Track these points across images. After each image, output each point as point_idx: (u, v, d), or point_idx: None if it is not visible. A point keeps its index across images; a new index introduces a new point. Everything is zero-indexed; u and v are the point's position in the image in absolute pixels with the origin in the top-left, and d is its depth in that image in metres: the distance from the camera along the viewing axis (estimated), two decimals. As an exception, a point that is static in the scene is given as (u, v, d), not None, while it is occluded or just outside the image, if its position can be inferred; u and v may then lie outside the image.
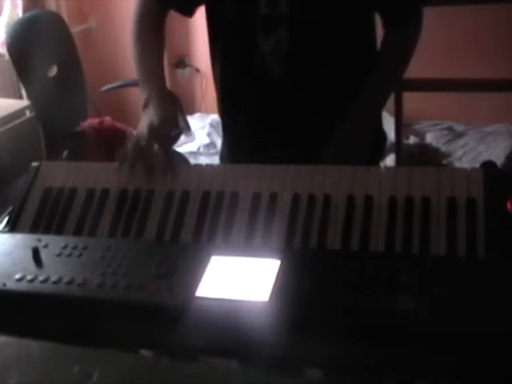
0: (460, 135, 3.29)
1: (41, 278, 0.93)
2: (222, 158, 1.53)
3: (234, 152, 1.45)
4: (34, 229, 1.09)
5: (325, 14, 1.23)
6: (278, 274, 0.87)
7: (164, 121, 1.14)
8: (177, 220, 1.04)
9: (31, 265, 0.95)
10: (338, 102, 1.29)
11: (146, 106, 1.19)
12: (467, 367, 0.77)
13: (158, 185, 1.09)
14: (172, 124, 1.15)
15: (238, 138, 1.43)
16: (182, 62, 3.83)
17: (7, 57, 2.91)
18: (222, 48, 1.36)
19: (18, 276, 0.94)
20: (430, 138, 3.29)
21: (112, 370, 0.81)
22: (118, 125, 3.10)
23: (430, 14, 3.14)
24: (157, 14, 1.34)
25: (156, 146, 1.12)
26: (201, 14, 1.39)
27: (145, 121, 1.15)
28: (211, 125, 3.46)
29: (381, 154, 1.50)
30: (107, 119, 3.07)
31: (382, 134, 1.47)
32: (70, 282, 0.91)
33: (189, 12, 1.37)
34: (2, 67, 3.20)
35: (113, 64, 3.62)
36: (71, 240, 1.01)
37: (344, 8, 1.23)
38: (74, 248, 0.98)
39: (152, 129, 1.12)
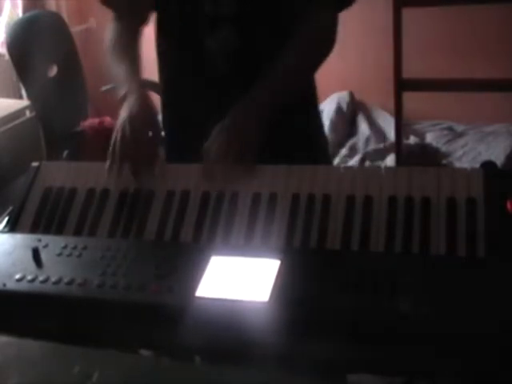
0: (460, 135, 3.29)
1: (41, 278, 0.93)
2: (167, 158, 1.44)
3: (181, 155, 1.34)
4: (33, 229, 1.09)
5: (267, 12, 1.23)
6: (278, 274, 0.87)
7: (142, 113, 1.14)
8: (177, 220, 1.04)
9: (31, 265, 0.95)
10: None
11: (122, 100, 1.19)
12: (467, 367, 0.77)
13: (158, 185, 1.09)
14: (149, 115, 1.15)
15: (184, 141, 1.38)
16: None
17: (7, 57, 2.91)
18: (167, 49, 1.36)
19: (18, 276, 0.94)
20: (430, 138, 3.29)
21: (112, 369, 0.81)
22: (118, 125, 3.09)
23: (430, 14, 3.14)
24: (129, 34, 1.35)
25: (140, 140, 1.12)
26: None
27: (124, 115, 1.15)
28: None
29: (321, 155, 1.44)
30: (107, 119, 3.07)
31: (322, 137, 1.46)
32: (70, 282, 0.91)
33: (144, 20, 1.37)
34: (2, 67, 3.20)
35: (113, 64, 3.61)
36: (71, 240, 1.01)
37: (287, 5, 1.22)
38: (74, 248, 0.98)
39: (134, 123, 1.12)
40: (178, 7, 1.29)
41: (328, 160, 1.53)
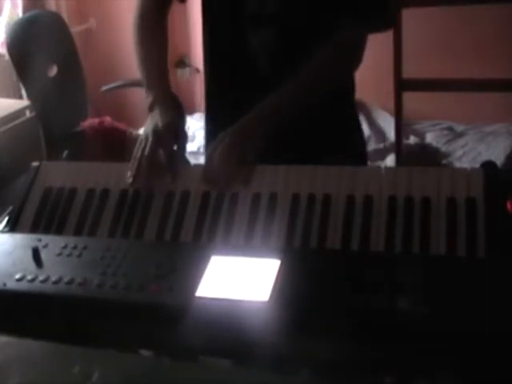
0: (460, 135, 3.29)
1: (41, 278, 0.93)
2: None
3: None
4: (33, 229, 1.09)
5: (311, 13, 1.23)
6: (278, 274, 0.87)
7: (168, 127, 1.14)
8: (177, 220, 1.04)
9: (31, 265, 0.95)
10: (326, 99, 1.27)
11: (151, 109, 1.20)
12: (467, 367, 0.77)
13: (158, 185, 1.09)
14: (175, 129, 1.16)
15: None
16: (181, 62, 3.83)
17: (7, 57, 2.91)
18: (212, 45, 1.37)
19: (18, 276, 0.94)
20: (430, 138, 3.29)
21: (112, 369, 0.81)
22: (118, 125, 3.10)
23: (430, 14, 3.14)
24: (157, 13, 1.35)
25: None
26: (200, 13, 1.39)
27: (149, 126, 1.16)
28: (211, 125, 3.45)
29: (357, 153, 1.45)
30: (107, 119, 3.08)
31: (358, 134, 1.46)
32: (69, 282, 0.91)
33: None
34: (2, 67, 3.20)
35: (113, 64, 3.62)
36: (71, 240, 1.01)
37: (330, 7, 1.22)
38: (74, 248, 0.98)
39: (158, 136, 1.13)
40: (223, 5, 1.30)
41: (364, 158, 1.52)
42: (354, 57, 1.25)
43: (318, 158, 1.13)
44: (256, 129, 1.13)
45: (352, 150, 1.40)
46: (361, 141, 1.48)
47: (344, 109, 1.39)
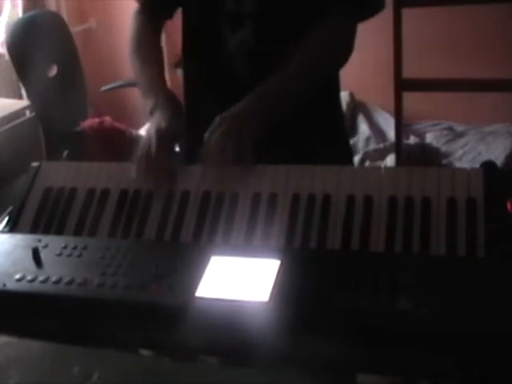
0: (460, 135, 3.29)
1: (41, 278, 0.93)
2: (186, 158, 1.49)
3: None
4: (33, 229, 1.09)
5: (290, 11, 1.22)
6: (278, 274, 0.87)
7: (171, 124, 1.15)
8: (177, 220, 1.04)
9: (31, 265, 0.95)
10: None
11: (152, 113, 1.20)
12: (467, 367, 0.77)
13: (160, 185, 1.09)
14: (177, 127, 1.16)
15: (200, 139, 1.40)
16: (182, 62, 3.83)
17: (7, 57, 2.91)
18: (190, 45, 1.37)
19: (18, 276, 0.94)
20: (429, 138, 3.29)
21: (112, 369, 0.81)
22: (118, 125, 3.10)
23: (430, 14, 3.13)
24: (151, 31, 1.36)
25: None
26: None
27: (152, 128, 1.16)
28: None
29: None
30: (107, 119, 3.08)
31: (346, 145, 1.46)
32: (70, 282, 0.91)
33: (168, 16, 1.40)
34: (1, 67, 3.20)
35: (113, 64, 3.62)
36: (71, 240, 1.01)
37: (310, 4, 1.21)
38: (74, 248, 0.98)
39: (161, 134, 1.13)
40: (201, 4, 1.30)
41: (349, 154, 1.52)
42: (346, 47, 1.24)
43: (301, 152, 1.12)
44: (250, 123, 1.11)
45: (335, 144, 1.39)
46: (343, 135, 1.48)
47: (325, 102, 1.37)
